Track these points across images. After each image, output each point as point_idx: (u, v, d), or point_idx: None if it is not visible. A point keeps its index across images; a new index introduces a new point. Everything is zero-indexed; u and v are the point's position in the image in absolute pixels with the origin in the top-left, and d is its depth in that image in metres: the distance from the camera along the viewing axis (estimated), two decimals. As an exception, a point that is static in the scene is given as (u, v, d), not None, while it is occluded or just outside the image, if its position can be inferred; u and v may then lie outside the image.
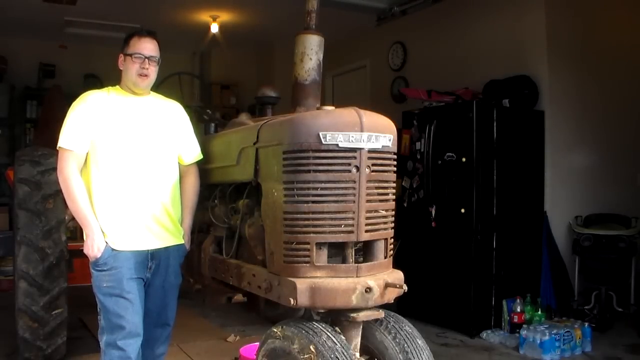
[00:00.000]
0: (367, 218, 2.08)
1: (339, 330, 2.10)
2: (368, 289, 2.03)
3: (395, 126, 2.23)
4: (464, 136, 4.72)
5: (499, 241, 4.76)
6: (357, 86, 7.51)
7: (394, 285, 2.10)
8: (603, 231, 4.87)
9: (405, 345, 2.13)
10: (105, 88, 2.65)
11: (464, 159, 4.71)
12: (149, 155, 2.58)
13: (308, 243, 2.05)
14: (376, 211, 2.12)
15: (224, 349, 4.17)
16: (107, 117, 2.52)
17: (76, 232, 4.75)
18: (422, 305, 4.88)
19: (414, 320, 2.50)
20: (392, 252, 2.25)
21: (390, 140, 2.14)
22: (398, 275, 2.19)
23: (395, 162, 2.21)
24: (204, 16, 6.95)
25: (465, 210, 4.68)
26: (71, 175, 2.44)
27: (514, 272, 4.82)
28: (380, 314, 2.14)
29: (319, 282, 2.03)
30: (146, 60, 2.56)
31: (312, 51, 2.47)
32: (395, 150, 2.20)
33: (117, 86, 2.65)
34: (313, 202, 2.04)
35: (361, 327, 2.16)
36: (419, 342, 2.15)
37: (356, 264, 2.10)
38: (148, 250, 2.56)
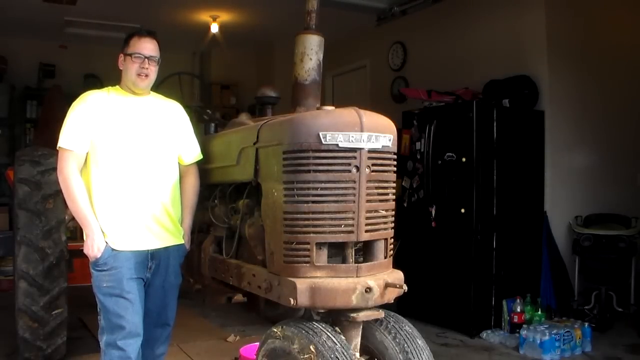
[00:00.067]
0: (367, 218, 2.08)
1: (339, 330, 2.10)
2: (368, 289, 2.03)
3: (395, 126, 2.23)
4: (464, 136, 4.72)
5: (499, 241, 4.76)
6: (357, 86, 7.51)
7: (394, 285, 2.10)
8: (603, 231, 4.87)
9: (405, 345, 2.13)
10: (105, 88, 2.65)
11: (464, 159, 4.71)
12: (149, 156, 2.58)
13: (308, 243, 2.05)
14: (376, 211, 2.12)
15: (224, 349, 4.17)
16: (107, 117, 2.52)
17: (76, 232, 4.75)
18: (422, 305, 4.88)
19: (414, 320, 2.50)
20: (392, 252, 2.25)
21: (390, 140, 2.14)
22: (398, 275, 2.19)
23: (395, 162, 2.21)
24: (204, 16, 6.95)
25: (465, 210, 4.68)
26: (71, 175, 2.44)
27: (514, 272, 4.82)
28: (380, 314, 2.14)
29: (319, 282, 2.03)
30: (146, 60, 2.57)
31: (312, 51, 2.47)
32: (395, 150, 2.20)
33: (117, 86, 2.65)
34: (313, 202, 2.04)
35: (361, 327, 2.16)
36: (419, 342, 2.15)
37: (356, 264, 2.10)
38: (148, 250, 2.56)
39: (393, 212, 2.22)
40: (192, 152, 2.78)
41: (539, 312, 4.61)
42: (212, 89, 8.51)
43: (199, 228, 2.97)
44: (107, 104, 2.56)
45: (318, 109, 2.27)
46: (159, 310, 2.66)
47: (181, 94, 3.48)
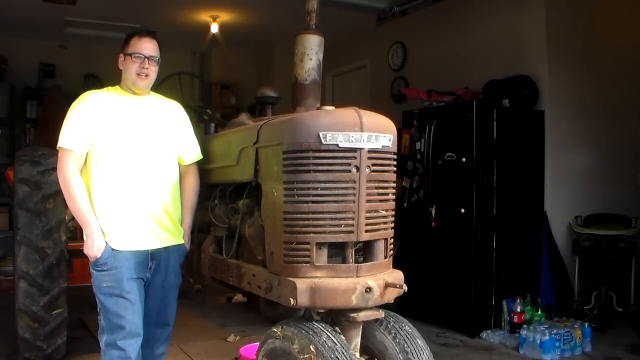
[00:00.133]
0: (367, 218, 2.08)
1: (339, 330, 2.10)
2: (368, 289, 2.03)
3: (395, 126, 2.23)
4: (464, 136, 4.72)
5: (499, 241, 4.76)
6: (357, 86, 7.51)
7: (394, 285, 2.10)
8: (603, 231, 4.87)
9: (405, 345, 2.13)
10: (105, 88, 2.65)
11: (464, 159, 4.71)
12: (149, 155, 2.58)
13: (308, 243, 2.05)
14: (376, 211, 2.12)
15: (224, 349, 4.17)
16: (107, 117, 2.52)
17: (76, 232, 4.75)
18: (422, 305, 4.87)
19: (414, 320, 2.50)
20: (392, 252, 2.25)
21: (390, 140, 2.14)
22: (398, 275, 2.19)
23: (395, 162, 2.21)
24: (204, 16, 6.95)
25: (465, 210, 4.68)
26: (71, 175, 2.44)
27: (514, 272, 4.82)
28: (380, 314, 2.14)
29: (319, 282, 2.03)
30: (146, 60, 2.57)
31: (312, 51, 2.47)
32: (395, 150, 2.20)
33: (117, 86, 2.65)
34: (313, 202, 2.04)
35: (361, 327, 2.16)
36: (419, 342, 2.16)
37: (356, 264, 2.10)
38: (148, 250, 2.56)
39: (393, 212, 2.22)
40: (192, 152, 2.78)
41: (539, 312, 4.61)
42: (212, 89, 8.51)
43: (199, 228, 2.97)
44: (107, 104, 2.56)
45: (318, 109, 2.27)
46: (159, 310, 2.66)
47: (181, 94, 3.48)
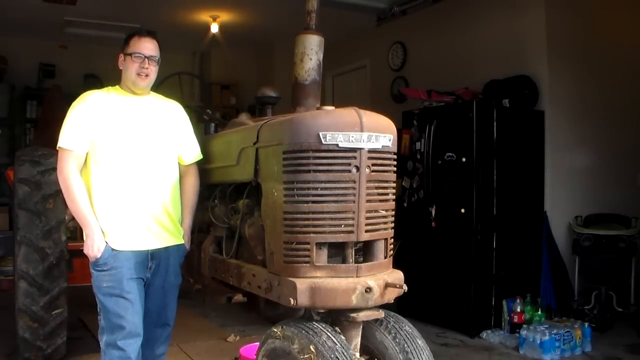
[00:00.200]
0: (367, 218, 2.08)
1: (339, 330, 2.10)
2: (368, 289, 2.03)
3: (395, 126, 2.23)
4: (464, 136, 4.72)
5: (499, 241, 4.76)
6: (357, 86, 7.51)
7: (394, 285, 2.10)
8: (603, 231, 4.87)
9: (405, 345, 2.13)
10: (105, 88, 2.65)
11: (464, 159, 4.71)
12: (149, 155, 2.58)
13: (308, 243, 2.05)
14: (376, 211, 2.12)
15: (224, 349, 4.17)
16: (107, 117, 2.52)
17: (76, 232, 4.75)
18: (422, 305, 4.87)
19: (414, 320, 2.50)
20: (392, 252, 2.25)
21: (390, 140, 2.14)
22: (398, 275, 2.19)
23: (395, 162, 2.21)
24: (204, 16, 6.95)
25: (465, 210, 4.68)
26: (71, 175, 2.44)
27: (514, 272, 4.82)
28: (380, 314, 2.14)
29: (319, 282, 2.03)
30: (146, 59, 2.57)
31: (312, 51, 2.47)
32: (395, 150, 2.20)
33: (117, 86, 2.65)
34: (313, 202, 2.04)
35: (361, 327, 2.16)
36: (419, 342, 2.16)
37: (356, 264, 2.10)
38: (148, 250, 2.56)
39: (393, 212, 2.22)
40: (192, 152, 2.78)
41: (539, 312, 4.61)
42: (212, 89, 8.51)
43: (199, 228, 2.97)
44: (107, 104, 2.56)
45: (318, 109, 2.27)
46: (159, 310, 2.66)
47: (181, 94, 3.49)
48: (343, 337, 2.06)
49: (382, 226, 2.16)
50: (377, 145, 2.08)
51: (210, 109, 3.63)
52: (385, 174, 2.15)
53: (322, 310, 2.16)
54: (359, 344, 2.17)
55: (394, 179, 2.22)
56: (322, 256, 2.08)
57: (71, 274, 3.89)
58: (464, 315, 4.68)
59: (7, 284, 5.78)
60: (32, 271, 3.51)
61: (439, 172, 4.92)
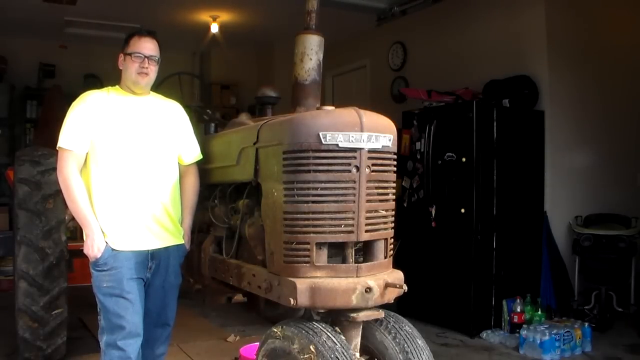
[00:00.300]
0: (367, 218, 2.08)
1: (339, 330, 2.10)
2: (368, 289, 2.03)
3: (395, 126, 2.23)
4: (464, 136, 4.72)
5: (499, 241, 4.76)
6: (357, 86, 7.51)
7: (394, 285, 2.10)
8: (603, 231, 4.87)
9: (405, 345, 2.13)
10: (105, 88, 2.65)
11: (464, 159, 4.71)
12: (149, 155, 2.58)
13: (308, 243, 2.05)
14: (376, 211, 2.12)
15: (224, 349, 4.17)
16: (107, 117, 2.52)
17: (76, 232, 4.75)
18: (422, 305, 4.87)
19: (414, 320, 2.50)
20: (392, 252, 2.25)
21: (390, 140, 2.14)
22: (398, 275, 2.19)
23: (395, 162, 2.21)
24: (204, 16, 6.95)
25: (465, 210, 4.68)
26: (71, 175, 2.44)
27: (514, 272, 4.82)
28: (380, 314, 2.14)
29: (319, 282, 2.03)
30: (146, 59, 2.57)
31: (312, 51, 2.47)
32: (395, 150, 2.20)
33: (117, 86, 2.65)
34: (313, 202, 2.04)
35: (361, 327, 2.16)
36: (419, 342, 2.15)
37: (356, 264, 2.10)
38: (148, 250, 2.56)
39: (393, 212, 2.22)
40: (192, 152, 2.78)
41: (539, 312, 4.61)
42: (212, 89, 8.51)
43: (199, 228, 2.97)
44: (107, 104, 2.56)
45: (318, 109, 2.27)
46: (159, 310, 2.66)
47: (181, 94, 3.49)
48: (343, 337, 2.06)
49: (382, 226, 2.16)
50: (377, 145, 2.08)
51: (210, 109, 3.63)
52: (385, 174, 2.15)
53: (322, 310, 2.16)
54: (359, 344, 2.17)
55: (394, 179, 2.22)
56: (322, 256, 2.08)
57: (71, 274, 3.89)
58: (464, 315, 4.68)
59: (7, 284, 5.78)
60: (32, 271, 3.51)
61: (439, 172, 4.92)
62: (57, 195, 3.52)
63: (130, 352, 2.45)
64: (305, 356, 1.96)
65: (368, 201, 2.08)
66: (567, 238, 5.12)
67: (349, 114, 2.08)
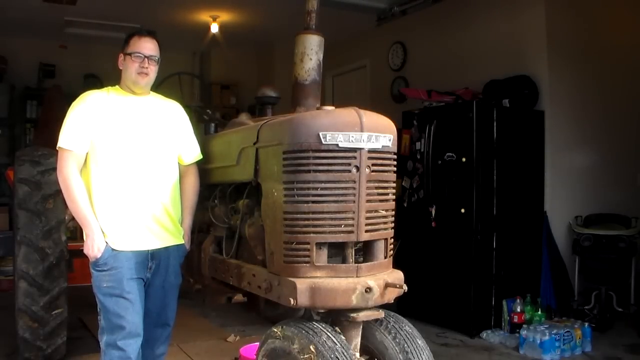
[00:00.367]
0: (367, 218, 2.08)
1: (339, 330, 2.10)
2: (368, 289, 2.03)
3: (395, 126, 2.23)
4: (464, 136, 4.72)
5: (499, 241, 4.76)
6: (357, 86, 7.51)
7: (394, 285, 2.10)
8: (603, 231, 4.87)
9: (405, 345, 2.13)
10: (105, 88, 2.65)
11: (464, 159, 4.71)
12: (148, 155, 2.58)
13: (308, 243, 2.05)
14: (376, 211, 2.12)
15: (224, 349, 4.17)
16: (107, 117, 2.52)
17: (76, 232, 4.75)
18: (422, 305, 4.87)
19: (414, 320, 2.49)
20: (392, 252, 2.25)
21: (390, 140, 2.14)
22: (398, 275, 2.19)
23: (395, 162, 2.21)
24: (204, 16, 6.95)
25: (465, 210, 4.68)
26: (71, 175, 2.44)
27: (514, 272, 4.82)
28: (380, 314, 2.14)
29: (319, 282, 2.03)
30: (146, 59, 2.57)
31: (312, 51, 2.47)
32: (395, 150, 2.20)
33: (117, 86, 2.66)
34: (313, 202, 2.04)
35: (361, 327, 2.16)
36: (419, 342, 2.15)
37: (356, 264, 2.10)
38: (148, 251, 2.56)
39: (393, 212, 2.22)
40: (192, 152, 2.78)
41: (539, 312, 4.61)
42: (212, 89, 8.51)
43: (199, 228, 2.97)
44: (107, 104, 2.56)
45: (318, 109, 2.27)
46: (159, 310, 2.66)
47: (181, 94, 3.49)
48: (343, 337, 2.06)
49: (382, 226, 2.16)
50: (377, 145, 2.08)
51: (210, 109, 3.63)
52: (385, 174, 2.15)
53: (322, 310, 2.16)
54: (359, 344, 2.17)
55: (394, 179, 2.22)
56: (322, 256, 2.08)
57: (71, 274, 3.89)
58: (464, 315, 4.68)
59: (7, 284, 5.78)
60: (32, 271, 3.51)
61: (439, 172, 4.92)
62: (57, 195, 3.52)
63: (130, 352, 2.45)
64: (305, 356, 1.96)
65: (368, 201, 2.08)
66: (567, 238, 5.12)
67: (349, 114, 2.08)
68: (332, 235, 2.06)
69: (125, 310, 2.45)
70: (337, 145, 2.02)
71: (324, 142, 2.02)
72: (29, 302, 3.50)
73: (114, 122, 2.53)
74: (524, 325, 4.39)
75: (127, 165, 2.52)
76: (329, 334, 2.01)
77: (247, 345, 3.27)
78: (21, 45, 7.60)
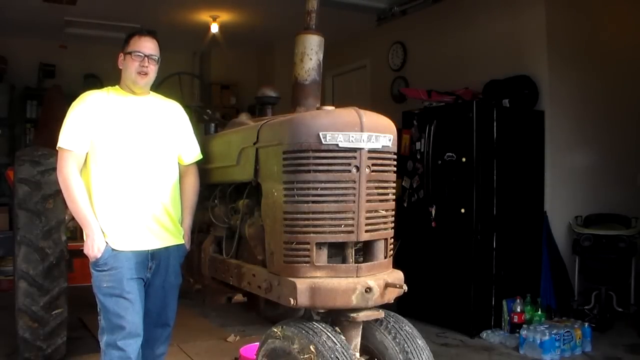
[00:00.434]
0: (367, 218, 2.08)
1: (339, 330, 2.10)
2: (368, 289, 2.03)
3: (395, 126, 2.23)
4: (464, 136, 4.72)
5: (499, 241, 4.76)
6: (357, 86, 7.51)
7: (394, 285, 2.10)
8: (603, 231, 4.87)
9: (405, 345, 2.13)
10: (105, 88, 2.65)
11: (464, 159, 4.71)
12: (148, 155, 2.58)
13: (308, 243, 2.05)
14: (376, 211, 2.12)
15: (224, 349, 4.17)
16: (107, 117, 2.52)
17: (76, 232, 4.75)
18: (422, 305, 4.87)
19: (414, 320, 2.49)
20: (392, 252, 2.25)
21: (390, 140, 2.14)
22: (398, 275, 2.19)
23: (395, 162, 2.21)
24: (204, 16, 6.95)
25: (465, 210, 4.68)
26: (71, 176, 2.44)
27: (514, 272, 4.82)
28: (380, 314, 2.14)
29: (319, 282, 2.03)
30: (146, 58, 2.57)
31: (312, 51, 2.47)
32: (395, 150, 2.20)
33: (117, 86, 2.66)
34: (313, 202, 2.04)
35: (361, 327, 2.16)
36: (419, 342, 2.16)
37: (356, 264, 2.10)
38: (148, 251, 2.56)
39: (393, 212, 2.22)
40: (192, 152, 2.78)
41: (539, 312, 4.61)
42: (212, 89, 8.51)
43: (199, 228, 2.97)
44: (107, 104, 2.56)
45: (318, 109, 2.27)
46: (159, 310, 2.66)
47: (181, 94, 3.49)
48: (343, 337, 2.06)
49: (382, 226, 2.16)
50: (377, 145, 2.08)
51: (210, 109, 3.63)
52: (385, 174, 2.15)
53: (322, 310, 2.16)
54: (359, 344, 2.17)
55: (394, 179, 2.22)
56: (322, 256, 2.08)
57: (71, 274, 3.89)
58: (464, 315, 4.68)
59: (7, 284, 5.78)
60: (32, 271, 3.51)
61: (439, 172, 4.92)
62: (57, 195, 3.52)
63: (130, 352, 2.45)
64: (305, 356, 1.96)
65: (368, 201, 2.08)
66: (567, 238, 5.12)
67: (349, 114, 2.08)
68: (332, 235, 2.06)
69: (125, 310, 2.45)
70: (337, 145, 2.02)
71: (324, 142, 2.02)
72: (29, 302, 3.50)
73: (113, 122, 2.52)
74: (524, 325, 4.39)
75: (127, 165, 2.52)
76: (329, 334, 2.01)
77: (247, 345, 3.27)
78: (21, 45, 7.59)
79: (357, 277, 2.07)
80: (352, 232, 2.06)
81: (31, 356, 3.57)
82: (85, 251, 2.47)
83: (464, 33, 5.74)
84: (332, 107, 2.16)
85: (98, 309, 2.53)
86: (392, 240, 2.25)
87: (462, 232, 4.71)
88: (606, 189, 5.35)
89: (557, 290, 4.91)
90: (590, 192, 5.30)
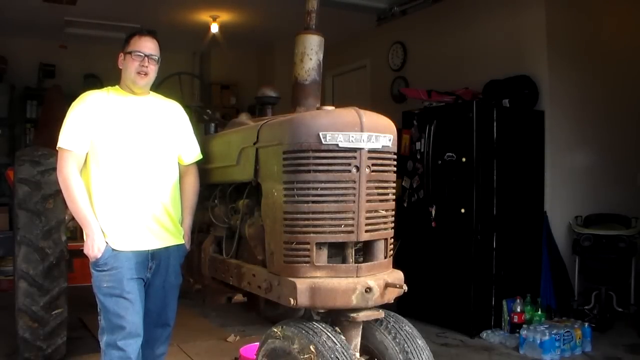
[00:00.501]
0: (367, 218, 2.08)
1: (339, 330, 2.10)
2: (368, 289, 2.03)
3: (395, 126, 2.23)
4: (464, 136, 4.72)
5: (499, 241, 4.76)
6: (357, 86, 7.51)
7: (394, 285, 2.10)
8: (603, 231, 4.87)
9: (405, 345, 2.13)
10: (105, 88, 2.65)
11: (464, 159, 4.71)
12: (148, 155, 2.58)
13: (308, 243, 2.05)
14: (376, 211, 2.12)
15: (224, 349, 4.17)
16: (107, 117, 2.52)
17: (76, 232, 4.75)
18: (422, 305, 4.87)
19: (414, 320, 2.49)
20: (392, 252, 2.25)
21: (390, 140, 2.14)
22: (398, 275, 2.19)
23: (395, 162, 2.21)
24: (204, 16, 6.95)
25: (465, 210, 4.68)
26: (71, 176, 2.44)
27: (514, 272, 4.82)
28: (380, 314, 2.14)
29: (319, 282, 2.03)
30: (146, 58, 2.57)
31: (312, 51, 2.47)
32: (395, 150, 2.20)
33: (117, 86, 2.66)
34: (313, 202, 2.04)
35: (361, 327, 2.16)
36: (419, 342, 2.16)
37: (356, 264, 2.10)
38: (148, 251, 2.56)
39: (393, 212, 2.22)
40: (192, 152, 2.78)
41: (539, 312, 4.61)
42: (212, 89, 8.51)
43: (199, 228, 2.97)
44: (107, 104, 2.56)
45: (318, 109, 2.27)
46: (159, 310, 2.66)
47: (181, 94, 3.49)
48: (343, 337, 2.06)
49: (382, 226, 2.16)
50: (377, 145, 2.08)
51: (210, 109, 3.63)
52: (385, 174, 2.15)
53: (322, 310, 2.16)
54: (359, 344, 2.17)
55: (394, 179, 2.22)
56: (322, 256, 2.08)
57: (71, 274, 3.89)
58: (464, 315, 4.68)
59: (7, 284, 5.78)
60: (32, 271, 3.51)
61: (439, 172, 4.92)
62: (57, 195, 3.52)
63: (130, 352, 2.45)
64: (305, 356, 1.96)
65: (368, 201, 2.08)
66: (567, 238, 5.12)
67: (349, 114, 2.08)
68: (332, 235, 2.06)
69: (125, 310, 2.45)
70: (337, 145, 2.02)
71: (324, 142, 2.02)
72: (29, 302, 3.50)
73: (113, 122, 2.52)
74: (524, 325, 4.39)
75: (127, 165, 2.52)
76: (329, 334, 2.01)
77: (247, 345, 3.27)
78: (21, 45, 7.59)
79: (357, 277, 2.07)
80: (352, 232, 2.06)
81: (31, 356, 3.57)
82: (85, 251, 2.47)
83: (464, 33, 5.74)
84: (332, 107, 2.16)
85: (98, 309, 2.53)
86: (392, 240, 2.25)
87: (462, 232, 4.71)
88: (606, 189, 5.35)
89: (557, 290, 4.91)
90: (590, 192, 5.30)
